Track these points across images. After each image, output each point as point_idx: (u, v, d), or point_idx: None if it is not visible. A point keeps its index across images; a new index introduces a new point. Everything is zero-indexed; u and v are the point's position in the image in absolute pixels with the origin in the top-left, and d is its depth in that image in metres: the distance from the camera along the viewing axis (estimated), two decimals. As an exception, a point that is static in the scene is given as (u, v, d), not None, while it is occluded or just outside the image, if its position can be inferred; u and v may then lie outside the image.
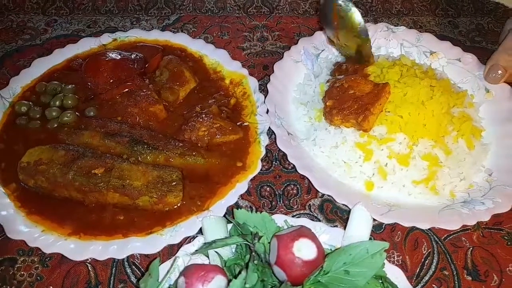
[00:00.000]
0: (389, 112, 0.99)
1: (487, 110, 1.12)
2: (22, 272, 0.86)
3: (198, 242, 0.85)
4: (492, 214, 0.90)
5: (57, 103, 1.07)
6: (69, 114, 1.04)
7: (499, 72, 0.79)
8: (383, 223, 0.94)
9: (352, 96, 1.00)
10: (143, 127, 1.05)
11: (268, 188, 1.01)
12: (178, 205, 0.92)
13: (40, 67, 1.16)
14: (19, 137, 1.02)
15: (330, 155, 1.01)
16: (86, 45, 1.22)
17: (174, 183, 0.91)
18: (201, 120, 1.05)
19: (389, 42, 1.26)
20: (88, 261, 0.87)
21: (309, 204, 0.99)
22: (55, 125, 1.04)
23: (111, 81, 1.10)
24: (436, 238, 0.93)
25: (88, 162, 0.92)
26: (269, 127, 1.05)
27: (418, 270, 0.89)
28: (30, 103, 1.07)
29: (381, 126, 0.99)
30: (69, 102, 1.07)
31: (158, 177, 0.91)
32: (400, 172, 0.96)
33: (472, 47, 1.37)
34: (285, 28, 1.40)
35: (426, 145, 0.97)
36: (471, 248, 0.92)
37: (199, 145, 1.03)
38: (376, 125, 0.99)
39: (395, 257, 0.91)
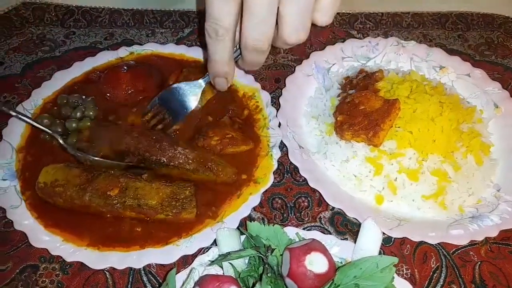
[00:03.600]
0: (399, 127, 1.02)
1: (496, 125, 1.14)
2: (44, 279, 0.89)
3: (213, 253, 0.88)
4: (500, 230, 0.92)
5: (78, 114, 1.10)
6: (91, 113, 1.10)
7: (222, 81, 0.89)
8: (393, 237, 0.96)
9: (362, 111, 1.03)
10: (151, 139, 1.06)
11: (279, 200, 1.04)
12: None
13: (60, 79, 1.19)
14: (46, 150, 1.05)
15: (340, 169, 1.04)
16: (104, 58, 1.26)
17: (187, 199, 0.94)
18: (215, 129, 1.08)
19: (399, 56, 1.28)
20: (106, 269, 0.90)
21: (320, 217, 1.01)
22: (75, 140, 1.06)
23: (130, 92, 1.14)
24: (445, 252, 0.95)
25: (102, 182, 0.94)
26: (281, 140, 1.08)
27: (426, 283, 0.91)
28: (51, 117, 1.10)
29: (391, 141, 1.01)
30: (91, 113, 1.11)
31: (172, 193, 0.94)
32: (410, 187, 0.98)
33: (482, 61, 1.39)
34: (296, 41, 1.43)
35: (436, 161, 0.99)
36: (479, 263, 0.94)
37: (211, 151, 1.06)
38: (386, 140, 1.01)
39: (404, 270, 0.93)
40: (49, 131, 1.04)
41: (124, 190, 0.93)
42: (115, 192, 0.93)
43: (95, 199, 0.92)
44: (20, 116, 1.03)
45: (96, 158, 1.00)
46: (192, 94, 1.07)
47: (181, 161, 1.01)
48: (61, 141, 1.03)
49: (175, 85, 1.07)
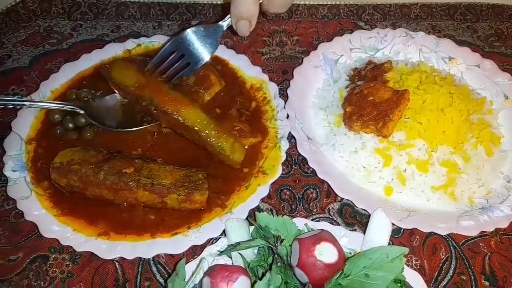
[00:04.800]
0: (408, 118, 1.01)
1: (506, 116, 1.13)
2: (54, 269, 0.90)
3: (221, 243, 0.88)
4: (510, 221, 0.91)
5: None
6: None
7: (245, 24, 0.84)
8: (402, 228, 0.95)
9: (371, 102, 1.02)
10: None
11: (288, 192, 1.04)
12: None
13: (68, 71, 1.19)
14: (57, 144, 1.05)
15: (349, 160, 1.04)
16: (112, 50, 1.25)
17: (200, 182, 0.95)
18: (222, 122, 1.08)
19: (408, 47, 1.27)
20: (115, 259, 0.91)
21: (329, 208, 1.01)
22: (88, 135, 1.07)
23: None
24: (454, 243, 0.95)
25: (118, 162, 0.95)
26: (289, 132, 1.07)
27: (436, 274, 0.91)
28: (61, 112, 1.09)
29: (400, 132, 1.00)
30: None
31: (185, 176, 0.95)
32: (419, 178, 0.98)
33: (491, 52, 1.38)
34: (303, 32, 1.42)
35: (445, 152, 0.98)
36: (489, 254, 0.94)
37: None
38: (396, 131, 1.00)
39: (414, 261, 0.92)
40: (71, 107, 1.06)
41: (139, 170, 0.94)
42: (130, 170, 0.93)
43: (110, 176, 0.93)
44: (34, 104, 1.06)
45: (125, 130, 1.05)
46: (211, 39, 0.99)
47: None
48: (81, 111, 1.05)
49: (193, 28, 0.98)
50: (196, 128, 1.00)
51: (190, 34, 0.99)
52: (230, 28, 0.91)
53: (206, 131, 1.00)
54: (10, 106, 1.03)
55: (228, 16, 0.85)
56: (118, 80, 1.07)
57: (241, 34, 0.87)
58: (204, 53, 1.01)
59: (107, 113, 1.10)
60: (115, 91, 1.12)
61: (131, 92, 1.05)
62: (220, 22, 0.96)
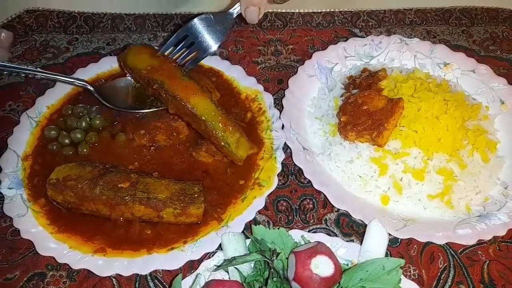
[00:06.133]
0: (403, 127, 1.01)
1: (502, 121, 1.12)
2: (52, 286, 0.90)
3: (218, 257, 0.88)
4: (508, 229, 0.91)
5: (83, 124, 1.11)
6: (98, 122, 1.12)
7: (254, 11, 0.88)
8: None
9: (366, 111, 1.02)
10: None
11: (284, 203, 1.04)
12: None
13: (64, 86, 1.20)
14: (54, 160, 1.06)
15: (345, 170, 1.03)
16: (107, 64, 1.26)
17: (196, 195, 0.95)
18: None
19: (402, 54, 1.27)
20: (112, 276, 0.91)
21: (325, 219, 1.01)
22: (85, 150, 1.08)
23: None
24: (452, 252, 0.94)
25: (114, 177, 0.96)
26: (285, 142, 1.07)
27: (434, 284, 0.90)
28: (58, 128, 1.11)
29: (396, 141, 1.00)
30: (97, 122, 1.12)
31: (181, 190, 0.96)
32: (416, 187, 0.97)
33: (487, 56, 1.37)
34: (298, 41, 1.42)
35: (441, 159, 0.98)
36: (487, 262, 0.93)
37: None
38: (391, 139, 1.00)
39: (411, 271, 0.92)
40: (82, 83, 1.13)
41: (135, 184, 0.94)
42: (126, 184, 0.94)
43: (105, 191, 0.93)
44: (46, 76, 1.12)
45: (132, 111, 1.10)
46: (221, 26, 1.02)
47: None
48: (90, 88, 1.12)
49: (202, 16, 1.02)
50: (203, 117, 0.98)
51: (200, 22, 1.02)
52: (239, 16, 0.93)
53: (213, 122, 0.98)
54: (23, 74, 1.12)
55: (238, 4, 0.87)
56: (132, 62, 1.07)
57: (250, 21, 0.89)
58: (212, 43, 1.05)
59: (117, 94, 1.13)
60: (128, 75, 1.14)
61: (144, 75, 1.04)
62: (230, 10, 0.98)
